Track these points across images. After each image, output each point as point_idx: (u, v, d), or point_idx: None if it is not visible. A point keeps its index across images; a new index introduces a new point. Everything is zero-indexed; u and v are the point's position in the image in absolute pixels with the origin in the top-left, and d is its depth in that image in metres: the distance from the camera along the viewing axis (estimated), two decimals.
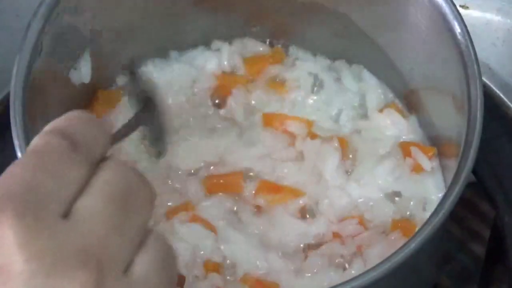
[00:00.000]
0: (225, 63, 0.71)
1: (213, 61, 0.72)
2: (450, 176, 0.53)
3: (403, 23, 0.64)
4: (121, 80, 0.71)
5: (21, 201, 0.32)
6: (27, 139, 0.54)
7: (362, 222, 0.63)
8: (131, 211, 0.35)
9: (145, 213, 0.36)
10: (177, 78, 0.71)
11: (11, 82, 0.56)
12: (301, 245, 0.62)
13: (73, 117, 0.37)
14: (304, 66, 0.72)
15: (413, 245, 0.49)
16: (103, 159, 0.36)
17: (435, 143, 0.67)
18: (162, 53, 0.72)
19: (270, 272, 0.61)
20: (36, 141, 0.36)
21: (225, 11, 0.71)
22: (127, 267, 0.34)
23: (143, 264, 0.34)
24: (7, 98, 0.57)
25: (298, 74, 0.71)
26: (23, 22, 0.59)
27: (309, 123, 0.68)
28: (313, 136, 0.67)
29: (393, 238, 0.61)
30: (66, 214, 0.33)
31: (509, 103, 0.74)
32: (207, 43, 0.73)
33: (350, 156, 0.67)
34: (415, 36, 0.64)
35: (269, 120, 0.68)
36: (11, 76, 0.57)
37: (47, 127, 0.37)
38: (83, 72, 0.65)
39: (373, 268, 0.49)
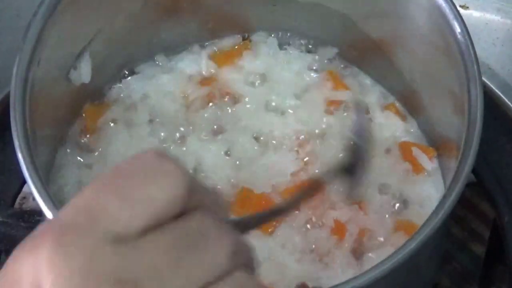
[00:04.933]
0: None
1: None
2: (450, 176, 0.53)
3: (403, 23, 0.64)
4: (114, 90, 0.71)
5: (66, 222, 0.31)
6: (27, 139, 0.54)
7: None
8: (197, 252, 0.32)
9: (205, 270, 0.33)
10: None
11: (11, 82, 0.56)
12: None
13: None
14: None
15: (413, 245, 0.49)
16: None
17: (435, 143, 0.67)
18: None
19: None
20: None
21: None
22: None
23: None
24: (7, 98, 0.57)
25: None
26: (23, 22, 0.59)
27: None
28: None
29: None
30: (119, 240, 0.31)
31: (509, 103, 0.74)
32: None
33: None
34: (415, 36, 0.64)
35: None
36: (11, 76, 0.57)
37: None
38: (83, 72, 0.65)
39: (373, 268, 0.49)
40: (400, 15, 0.64)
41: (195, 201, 0.34)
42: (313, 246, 0.62)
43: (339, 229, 0.62)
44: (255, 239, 0.59)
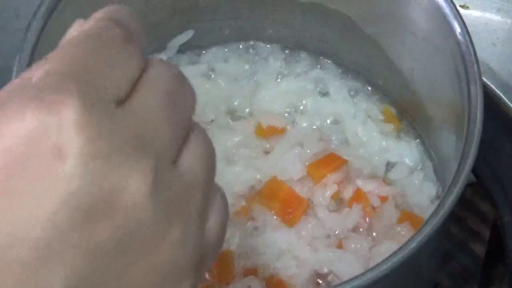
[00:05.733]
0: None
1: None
2: (450, 176, 0.53)
3: (402, 23, 0.64)
4: None
5: (83, 81, 0.30)
6: None
7: None
8: (179, 104, 0.34)
9: (190, 107, 0.35)
10: None
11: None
12: None
13: (122, 9, 0.36)
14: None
15: (413, 245, 0.49)
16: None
17: (435, 142, 0.67)
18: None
19: None
20: (87, 25, 0.35)
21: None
22: (176, 159, 0.33)
23: (189, 156, 0.34)
24: None
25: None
26: (23, 22, 0.58)
27: None
28: None
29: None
30: (120, 103, 0.32)
31: (509, 103, 0.74)
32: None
33: None
34: (415, 36, 0.63)
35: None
36: (11, 76, 0.57)
37: (98, 14, 0.35)
38: None
39: (373, 268, 0.49)
40: (400, 15, 0.64)
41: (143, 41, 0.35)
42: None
43: None
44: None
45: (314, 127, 0.70)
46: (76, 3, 0.61)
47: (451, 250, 0.74)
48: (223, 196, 0.37)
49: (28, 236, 0.28)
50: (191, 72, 0.71)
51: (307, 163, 0.66)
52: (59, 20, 0.59)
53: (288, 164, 0.66)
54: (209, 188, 0.35)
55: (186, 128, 0.34)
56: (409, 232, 0.62)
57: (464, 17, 0.58)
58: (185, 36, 0.73)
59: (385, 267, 0.48)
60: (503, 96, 0.74)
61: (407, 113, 0.71)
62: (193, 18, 0.71)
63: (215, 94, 0.71)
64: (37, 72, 0.31)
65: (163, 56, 0.72)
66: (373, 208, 0.64)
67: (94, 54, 0.32)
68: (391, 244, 0.61)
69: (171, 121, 0.33)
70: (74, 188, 0.29)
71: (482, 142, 0.53)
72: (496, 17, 0.77)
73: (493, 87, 0.74)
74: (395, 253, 0.49)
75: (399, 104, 0.71)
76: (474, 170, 0.62)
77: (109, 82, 0.31)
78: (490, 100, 0.73)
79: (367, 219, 0.64)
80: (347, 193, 0.65)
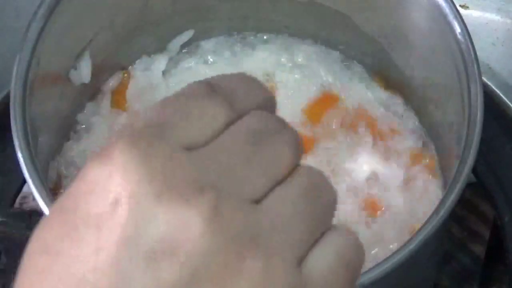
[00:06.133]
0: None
1: None
2: (450, 176, 0.53)
3: (403, 22, 0.64)
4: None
5: (139, 131, 0.30)
6: (27, 139, 0.54)
7: None
8: (266, 147, 0.32)
9: (284, 149, 0.33)
10: None
11: (11, 82, 0.56)
12: None
13: (223, 76, 0.35)
14: None
15: (413, 245, 0.49)
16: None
17: (435, 142, 0.67)
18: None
19: None
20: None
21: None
22: (258, 201, 0.32)
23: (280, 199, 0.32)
24: (7, 98, 0.57)
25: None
26: (23, 22, 0.59)
27: None
28: None
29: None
30: (190, 148, 0.31)
31: (509, 103, 0.74)
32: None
33: None
34: (415, 36, 0.64)
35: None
36: (11, 76, 0.57)
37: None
38: (83, 72, 0.65)
39: (373, 268, 0.49)
40: (400, 14, 0.64)
41: (249, 103, 0.34)
42: None
43: None
44: None
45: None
46: (76, 3, 0.61)
47: (451, 250, 0.74)
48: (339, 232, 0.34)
49: (96, 285, 0.28)
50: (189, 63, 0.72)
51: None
52: (59, 20, 0.59)
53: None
54: (311, 229, 0.33)
55: (275, 171, 0.32)
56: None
57: (464, 17, 0.58)
58: (186, 36, 0.73)
59: (385, 267, 0.48)
60: (503, 96, 0.74)
61: None
62: (193, 18, 0.72)
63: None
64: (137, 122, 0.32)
65: (165, 56, 0.72)
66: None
67: (165, 107, 0.32)
68: None
69: (247, 160, 0.32)
70: (131, 232, 0.29)
71: (482, 142, 0.53)
72: (496, 17, 0.77)
73: (493, 87, 0.74)
74: (395, 253, 0.49)
75: None
76: (474, 170, 0.62)
77: (176, 129, 0.31)
78: (490, 100, 0.73)
79: None
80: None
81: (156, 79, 0.71)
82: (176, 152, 0.30)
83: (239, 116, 0.33)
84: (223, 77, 0.35)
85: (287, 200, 0.32)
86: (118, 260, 0.28)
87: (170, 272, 0.29)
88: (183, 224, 0.29)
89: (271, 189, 0.32)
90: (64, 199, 0.30)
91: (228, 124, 0.32)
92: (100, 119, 0.69)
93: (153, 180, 0.29)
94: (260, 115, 0.34)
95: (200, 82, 0.34)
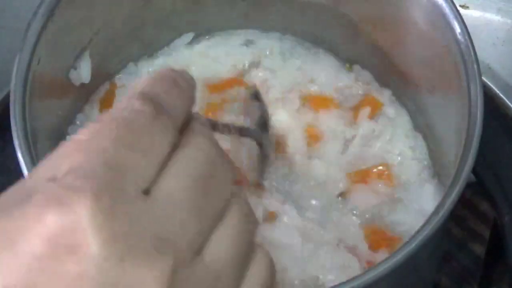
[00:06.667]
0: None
1: None
2: (450, 176, 0.53)
3: (403, 22, 0.64)
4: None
5: (100, 181, 0.31)
6: (27, 139, 0.54)
7: None
8: (212, 193, 0.34)
9: (225, 194, 0.34)
10: None
11: (11, 82, 0.56)
12: None
13: (158, 77, 0.36)
14: None
15: (413, 245, 0.49)
16: (187, 121, 0.35)
17: (435, 143, 0.67)
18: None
19: None
20: (118, 106, 0.34)
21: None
22: (201, 248, 0.33)
23: (216, 245, 0.33)
24: (7, 98, 0.57)
25: None
26: (23, 22, 0.59)
27: None
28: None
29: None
30: (147, 192, 0.32)
31: (509, 103, 0.74)
32: None
33: None
34: (415, 35, 0.63)
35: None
36: (11, 76, 0.57)
37: (132, 90, 0.35)
38: (83, 72, 0.65)
39: (373, 268, 0.48)
40: (400, 14, 0.64)
41: (185, 108, 0.35)
42: None
43: None
44: None
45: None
46: (76, 3, 0.61)
47: (451, 250, 0.74)
48: (264, 257, 0.36)
49: None
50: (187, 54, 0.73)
51: None
52: (59, 20, 0.59)
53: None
54: (240, 268, 0.35)
55: (216, 217, 0.34)
56: None
57: (464, 17, 0.58)
58: (186, 38, 0.73)
59: (385, 267, 0.48)
60: (503, 96, 0.74)
61: None
62: (192, 19, 0.72)
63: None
64: (62, 167, 0.32)
65: (151, 63, 0.72)
66: None
67: (118, 144, 0.32)
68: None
69: (198, 213, 0.33)
70: None
71: (482, 142, 0.53)
72: (496, 17, 0.77)
73: (493, 87, 0.74)
74: (395, 253, 0.49)
75: None
76: (474, 170, 0.62)
77: (133, 175, 0.32)
78: (490, 100, 0.73)
79: None
80: None
81: None
82: (136, 203, 0.31)
83: (181, 130, 0.34)
84: (154, 82, 0.35)
85: (228, 242, 0.34)
86: None
87: None
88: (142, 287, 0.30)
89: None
90: (30, 241, 0.30)
91: (175, 146, 0.34)
92: None
93: (116, 242, 0.30)
94: (202, 144, 0.35)
95: (143, 101, 0.34)
